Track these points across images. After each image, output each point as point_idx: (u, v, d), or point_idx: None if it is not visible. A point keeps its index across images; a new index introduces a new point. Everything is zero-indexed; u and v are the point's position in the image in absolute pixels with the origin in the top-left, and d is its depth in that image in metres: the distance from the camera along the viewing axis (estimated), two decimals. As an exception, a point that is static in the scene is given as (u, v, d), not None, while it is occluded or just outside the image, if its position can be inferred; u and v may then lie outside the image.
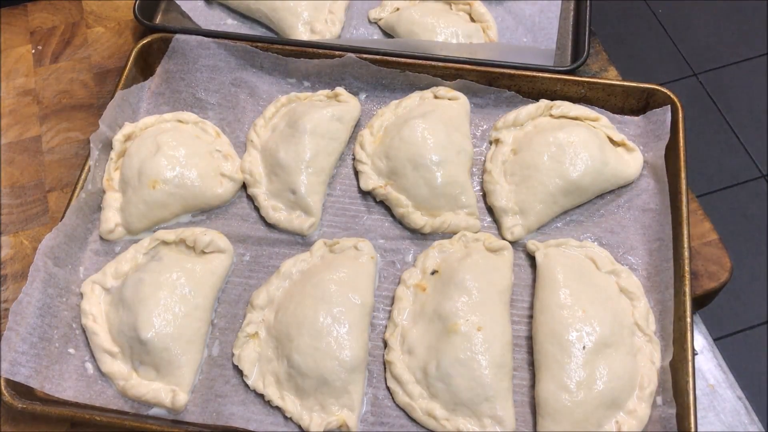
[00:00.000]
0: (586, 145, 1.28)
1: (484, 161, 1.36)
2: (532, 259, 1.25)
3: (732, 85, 3.04)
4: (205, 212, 1.33)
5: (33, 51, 1.61)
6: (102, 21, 1.65)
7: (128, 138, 1.36)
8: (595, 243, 1.26)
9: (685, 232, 1.21)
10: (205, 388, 1.16)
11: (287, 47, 1.43)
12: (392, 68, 1.40)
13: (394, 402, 1.14)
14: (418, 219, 1.28)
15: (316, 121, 1.32)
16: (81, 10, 1.67)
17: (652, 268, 1.22)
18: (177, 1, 1.59)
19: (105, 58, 1.59)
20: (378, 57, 1.40)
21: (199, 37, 1.43)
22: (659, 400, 1.11)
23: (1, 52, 1.60)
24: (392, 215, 1.32)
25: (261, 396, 1.14)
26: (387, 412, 1.14)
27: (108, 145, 1.35)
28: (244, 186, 1.35)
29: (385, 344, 1.18)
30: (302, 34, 1.52)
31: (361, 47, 1.43)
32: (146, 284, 1.18)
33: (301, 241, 1.29)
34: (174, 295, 1.17)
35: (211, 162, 1.34)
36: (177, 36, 1.44)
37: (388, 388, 1.15)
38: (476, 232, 1.27)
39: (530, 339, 1.18)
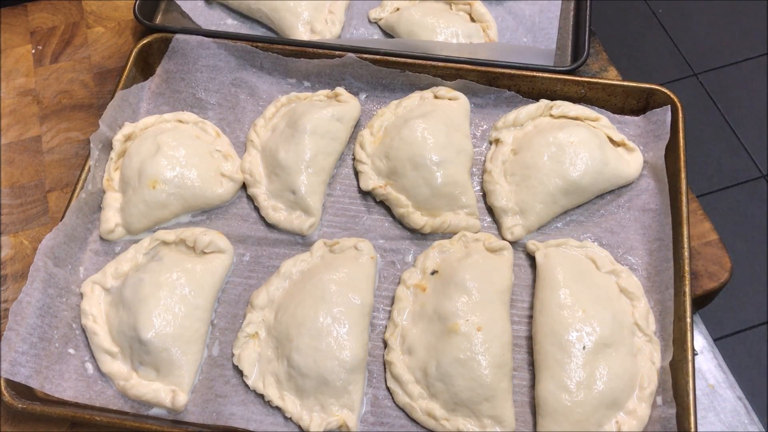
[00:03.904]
0: (586, 145, 1.28)
1: (484, 161, 1.36)
2: (532, 259, 1.25)
3: (732, 85, 3.04)
4: (205, 212, 1.33)
5: (33, 51, 1.61)
6: (102, 21, 1.65)
7: (128, 138, 1.36)
8: (595, 243, 1.26)
9: (685, 232, 1.21)
10: (205, 388, 1.16)
11: (287, 47, 1.43)
12: (392, 68, 1.40)
13: (394, 402, 1.14)
14: (418, 219, 1.28)
15: (316, 121, 1.32)
16: (81, 10, 1.67)
17: (652, 268, 1.22)
18: (177, 1, 1.59)
19: (105, 58, 1.59)
20: (378, 57, 1.40)
21: (199, 37, 1.43)
22: (659, 400, 1.11)
23: (1, 52, 1.60)
24: (392, 215, 1.32)
25: (261, 396, 1.14)
26: (387, 412, 1.14)
27: (108, 145, 1.35)
28: (244, 186, 1.35)
29: (385, 344, 1.18)
30: (302, 34, 1.52)
31: (361, 47, 1.43)
32: (146, 284, 1.18)
33: (301, 241, 1.29)
34: (174, 295, 1.17)
35: (211, 162, 1.34)
36: (177, 36, 1.44)
37: (388, 388, 1.15)
38: (476, 232, 1.27)
39: (530, 339, 1.18)
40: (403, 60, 1.40)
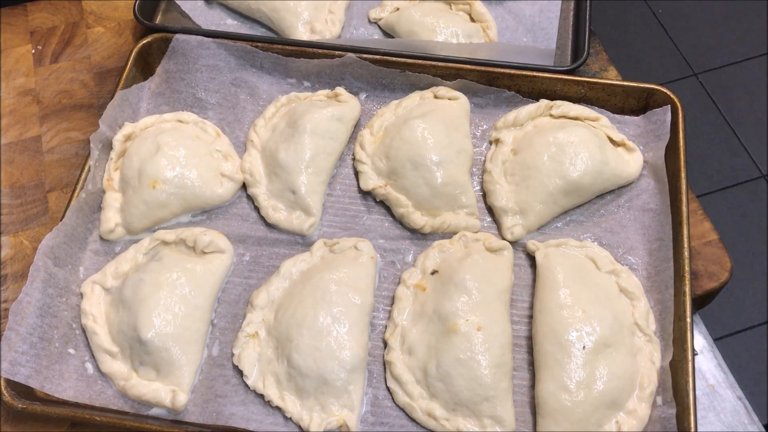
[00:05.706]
0: (586, 145, 1.28)
1: (484, 161, 1.36)
2: (532, 259, 1.25)
3: (732, 85, 3.04)
4: (205, 212, 1.33)
5: (33, 51, 1.61)
6: (102, 21, 1.65)
7: (128, 138, 1.36)
8: (595, 243, 1.26)
9: (685, 232, 1.21)
10: (205, 388, 1.16)
11: (287, 47, 1.43)
12: (392, 68, 1.40)
13: (394, 402, 1.14)
14: (418, 219, 1.28)
15: (316, 121, 1.32)
16: (81, 10, 1.67)
17: (652, 268, 1.22)
18: (177, 1, 1.59)
19: (105, 58, 1.59)
20: (378, 57, 1.40)
21: (199, 37, 1.43)
22: (659, 400, 1.11)
23: (1, 52, 1.60)
24: (392, 215, 1.32)
25: (261, 396, 1.14)
26: (387, 412, 1.14)
27: (108, 145, 1.35)
28: (244, 186, 1.35)
29: (385, 344, 1.18)
30: (302, 34, 1.52)
31: (361, 47, 1.43)
32: (146, 284, 1.18)
33: (301, 241, 1.29)
34: (174, 295, 1.17)
35: (211, 162, 1.34)
36: (177, 36, 1.44)
37: (388, 388, 1.15)
38: (476, 232, 1.27)
39: (530, 339, 1.18)
40: (403, 60, 1.40)
